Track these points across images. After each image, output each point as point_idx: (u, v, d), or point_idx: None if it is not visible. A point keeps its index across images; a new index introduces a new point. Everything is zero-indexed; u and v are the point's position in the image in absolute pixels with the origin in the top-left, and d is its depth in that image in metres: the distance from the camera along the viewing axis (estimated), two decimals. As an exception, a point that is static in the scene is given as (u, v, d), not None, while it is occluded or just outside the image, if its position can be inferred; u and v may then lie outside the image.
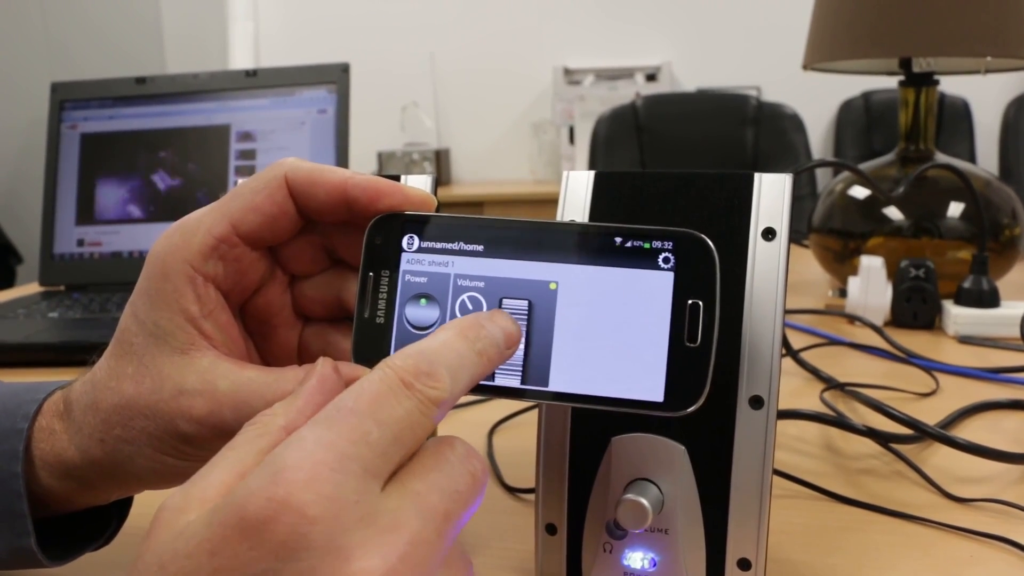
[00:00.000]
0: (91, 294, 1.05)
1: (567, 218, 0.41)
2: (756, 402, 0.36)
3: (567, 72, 3.06)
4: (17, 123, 3.06)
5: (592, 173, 0.41)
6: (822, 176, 3.09)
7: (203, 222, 0.37)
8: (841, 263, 1.01)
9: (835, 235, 1.01)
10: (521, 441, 0.59)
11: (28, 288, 1.25)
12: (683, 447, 0.37)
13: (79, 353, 0.82)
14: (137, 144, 1.12)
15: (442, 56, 3.23)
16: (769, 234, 0.37)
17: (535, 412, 0.64)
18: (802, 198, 1.83)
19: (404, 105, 3.20)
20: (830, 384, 0.67)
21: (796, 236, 1.30)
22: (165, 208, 1.10)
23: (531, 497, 0.50)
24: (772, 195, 0.37)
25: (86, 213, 1.12)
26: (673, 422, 0.37)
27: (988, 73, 1.03)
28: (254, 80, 1.12)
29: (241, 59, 3.27)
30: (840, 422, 0.54)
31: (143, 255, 1.10)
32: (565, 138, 2.98)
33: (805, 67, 1.04)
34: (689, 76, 3.15)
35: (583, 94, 2.92)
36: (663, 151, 1.87)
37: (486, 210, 2.84)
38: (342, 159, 1.08)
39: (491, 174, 3.30)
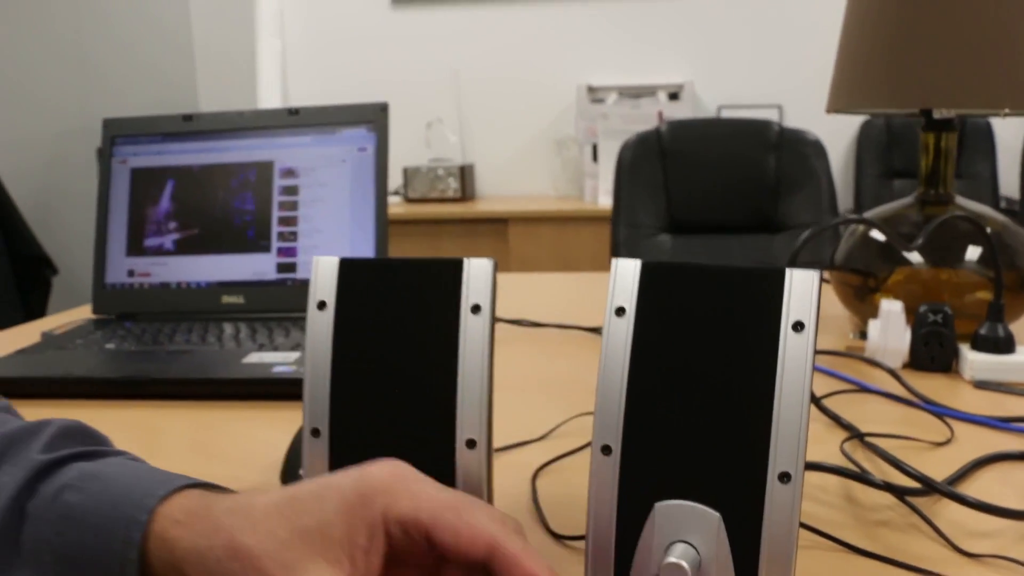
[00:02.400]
0: (142, 324, 1.11)
1: (616, 303, 0.45)
2: (784, 477, 0.41)
3: (591, 90, 3.11)
4: (45, 136, 3.13)
5: (639, 263, 0.45)
6: (843, 194, 3.13)
7: (422, 496, 0.41)
8: (861, 300, 1.05)
9: (856, 274, 1.06)
10: (565, 486, 0.64)
11: (78, 312, 1.30)
12: (718, 515, 0.42)
13: (139, 387, 0.88)
14: (184, 178, 1.18)
15: (467, 73, 3.28)
16: (798, 326, 0.42)
17: (576, 456, 0.69)
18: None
19: (429, 121, 3.26)
20: (851, 433, 0.71)
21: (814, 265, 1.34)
22: (210, 241, 1.16)
23: (576, 544, 0.55)
24: (802, 290, 0.42)
25: (136, 244, 1.18)
26: (710, 492, 0.42)
27: (1007, 116, 1.08)
28: (296, 118, 1.17)
29: (268, 75, 3.33)
30: (859, 476, 0.58)
31: (189, 286, 1.15)
32: (588, 156, 3.03)
33: (828, 111, 1.09)
34: (711, 94, 3.20)
35: (606, 112, 2.97)
36: (687, 176, 1.91)
37: (510, 228, 2.89)
38: (380, 196, 1.13)
39: (514, 189, 3.35)
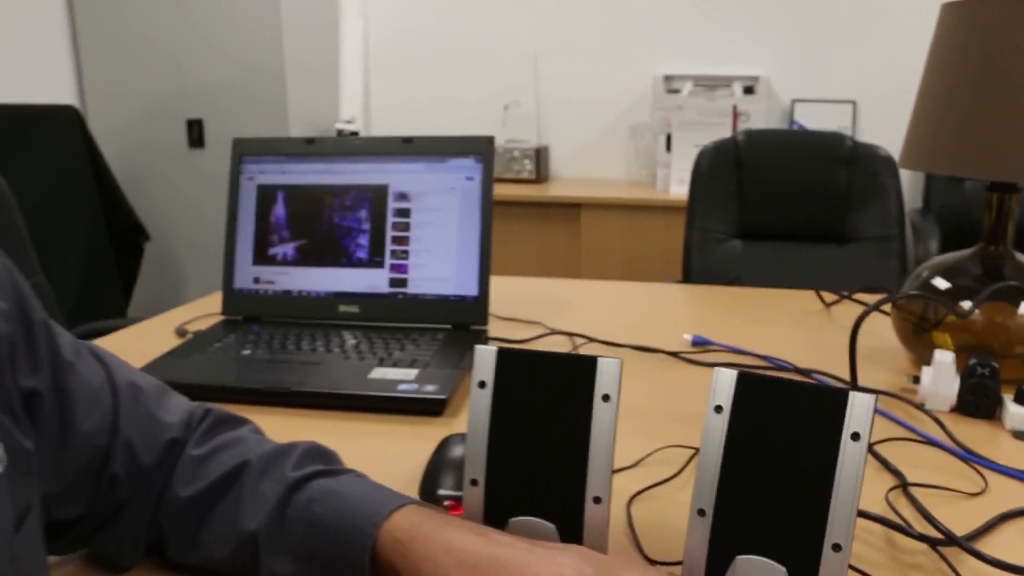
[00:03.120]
0: (268, 328, 1.28)
1: (715, 401, 0.60)
2: (836, 547, 0.55)
3: (666, 79, 3.21)
4: (134, 115, 3.34)
5: (735, 374, 0.60)
6: (913, 194, 3.21)
7: None
8: (917, 338, 1.18)
9: (915, 316, 1.18)
10: (657, 513, 0.79)
11: (202, 305, 1.48)
12: (784, 569, 0.57)
13: (280, 397, 1.04)
14: (305, 196, 1.34)
15: (544, 57, 3.40)
16: (855, 436, 0.56)
17: (667, 486, 0.84)
18: (890, 238, 1.98)
19: (507, 103, 3.39)
20: (897, 481, 0.85)
21: (878, 289, 1.46)
22: (328, 255, 1.32)
23: (669, 569, 0.70)
24: (861, 409, 0.56)
25: (261, 254, 1.34)
26: (779, 551, 0.57)
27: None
28: (410, 147, 1.32)
29: (351, 52, 3.49)
30: (899, 527, 0.72)
31: (309, 295, 1.32)
32: (662, 145, 3.14)
33: (901, 166, 1.21)
34: (786, 87, 3.28)
35: (681, 104, 3.07)
36: (760, 184, 2.03)
37: (582, 213, 3.02)
38: (485, 222, 1.28)
39: (587, 172, 3.48)
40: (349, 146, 1.36)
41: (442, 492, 0.80)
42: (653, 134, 3.21)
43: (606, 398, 0.62)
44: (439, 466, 0.83)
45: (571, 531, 0.62)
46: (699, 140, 3.01)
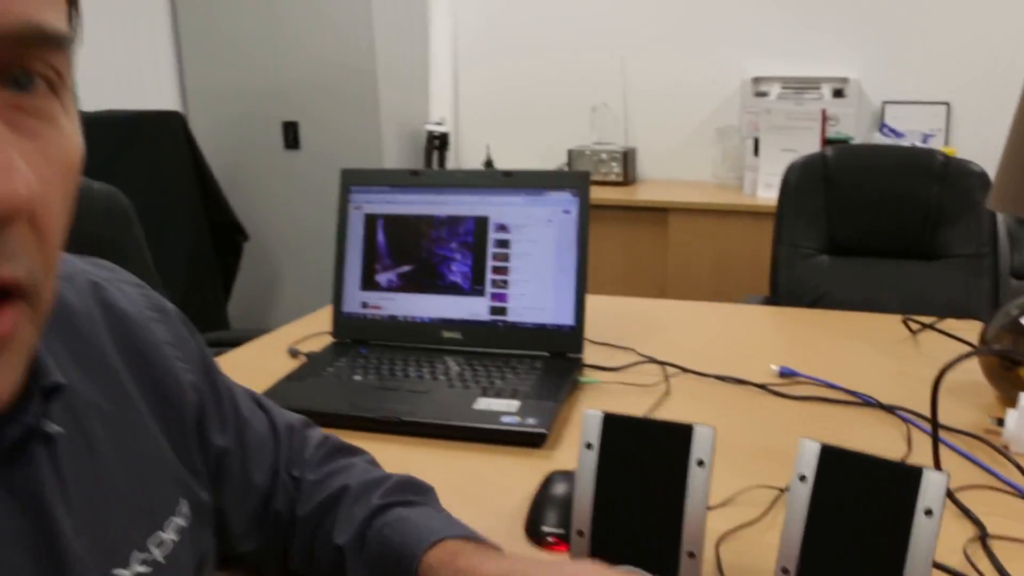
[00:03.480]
0: (377, 352, 1.38)
1: (799, 470, 0.67)
2: (911, 611, 0.62)
3: (755, 81, 3.24)
4: (232, 118, 3.50)
5: (819, 447, 0.67)
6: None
7: None
8: (1004, 375, 1.22)
9: (1001, 354, 1.22)
10: (745, 555, 0.86)
11: (311, 323, 1.58)
12: (864, 627, 0.64)
13: (392, 426, 1.14)
14: (410, 225, 1.43)
15: (632, 59, 3.45)
16: (928, 512, 0.62)
17: (755, 527, 0.91)
18: (982, 256, 2.00)
19: (594, 105, 3.45)
20: (978, 531, 0.90)
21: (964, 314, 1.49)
22: (431, 283, 1.41)
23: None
24: (933, 487, 0.63)
25: (368, 280, 1.44)
26: (859, 612, 0.64)
27: None
28: (510, 180, 1.40)
29: (440, 51, 3.59)
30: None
31: (414, 320, 1.41)
32: (750, 148, 3.17)
33: (989, 207, 1.25)
34: (877, 89, 3.27)
35: (769, 108, 3.10)
36: (848, 200, 2.06)
37: (670, 217, 3.07)
38: (581, 254, 1.35)
39: (675, 174, 3.52)
40: (451, 178, 1.45)
41: (546, 529, 0.88)
42: (740, 137, 3.23)
43: (700, 463, 0.69)
44: (543, 504, 0.91)
45: (668, 583, 0.70)
46: (787, 144, 3.03)
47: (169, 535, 0.59)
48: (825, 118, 3.04)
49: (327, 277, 3.26)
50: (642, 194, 3.26)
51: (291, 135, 3.50)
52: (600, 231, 3.17)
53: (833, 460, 0.66)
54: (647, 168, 3.55)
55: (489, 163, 3.58)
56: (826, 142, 3.01)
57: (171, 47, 3.57)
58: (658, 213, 3.11)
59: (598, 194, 3.22)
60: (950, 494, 0.96)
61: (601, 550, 0.72)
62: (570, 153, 3.41)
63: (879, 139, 3.17)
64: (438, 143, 3.55)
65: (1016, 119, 1.21)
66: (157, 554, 0.57)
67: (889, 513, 0.63)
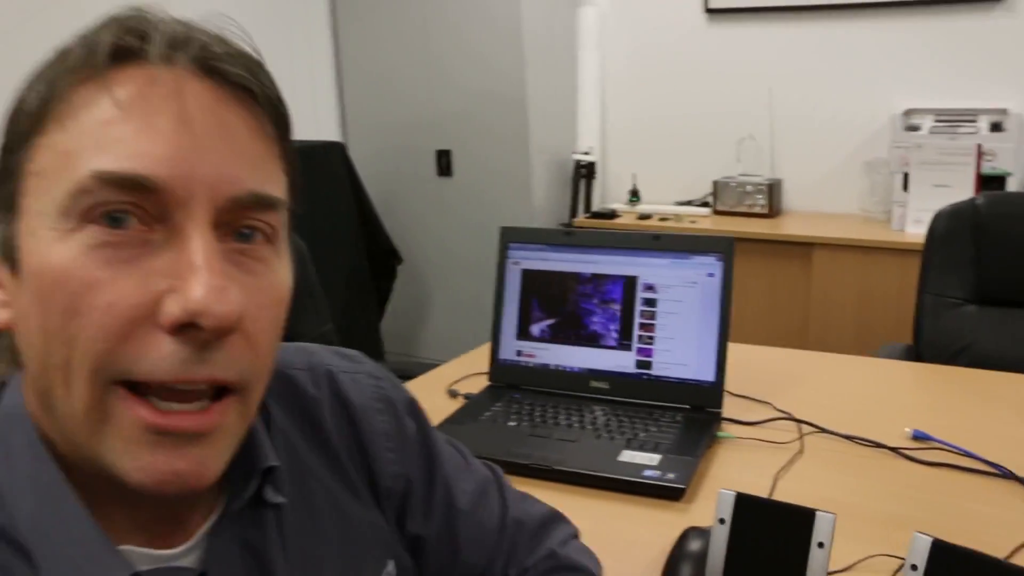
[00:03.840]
0: (530, 397, 1.51)
1: (911, 561, 0.76)
2: None
3: (905, 114, 3.23)
4: (388, 147, 3.73)
5: (931, 542, 0.76)
6: None
7: None
8: None
9: None
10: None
11: (467, 362, 1.73)
12: None
13: (541, 472, 1.26)
14: (563, 281, 1.56)
15: (780, 91, 3.49)
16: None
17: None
18: None
19: (740, 137, 3.51)
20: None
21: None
22: (581, 336, 1.53)
23: None
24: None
25: (523, 330, 1.58)
26: None
27: None
28: (658, 243, 1.51)
29: (588, 85, 3.72)
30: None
31: (564, 369, 1.54)
32: (899, 183, 3.16)
33: None
34: (1039, 123, 3.21)
35: (920, 142, 3.09)
36: (1000, 250, 2.07)
37: (814, 253, 3.11)
38: (724, 315, 1.45)
39: (820, 206, 3.54)
40: (603, 239, 1.57)
41: (683, 584, 0.99)
42: (889, 171, 3.23)
43: (820, 545, 0.79)
44: (679, 559, 1.02)
45: (791, 648, 0.80)
46: (939, 180, 3.02)
47: None
48: (980, 153, 3.01)
49: (474, 298, 3.48)
50: (787, 227, 3.30)
51: (444, 163, 3.69)
52: (744, 264, 3.23)
53: (942, 554, 0.75)
54: (793, 200, 3.58)
55: (635, 192, 3.68)
56: (980, 178, 2.98)
57: (333, 82, 3.83)
58: (802, 247, 3.15)
59: (742, 226, 3.29)
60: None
61: (731, 615, 0.83)
62: (715, 184, 3.48)
63: (1039, 176, 3.12)
64: (585, 172, 3.68)
65: None
66: None
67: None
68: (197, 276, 0.50)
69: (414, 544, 0.80)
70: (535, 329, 1.57)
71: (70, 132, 0.52)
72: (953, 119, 3.20)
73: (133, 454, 0.52)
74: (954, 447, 1.35)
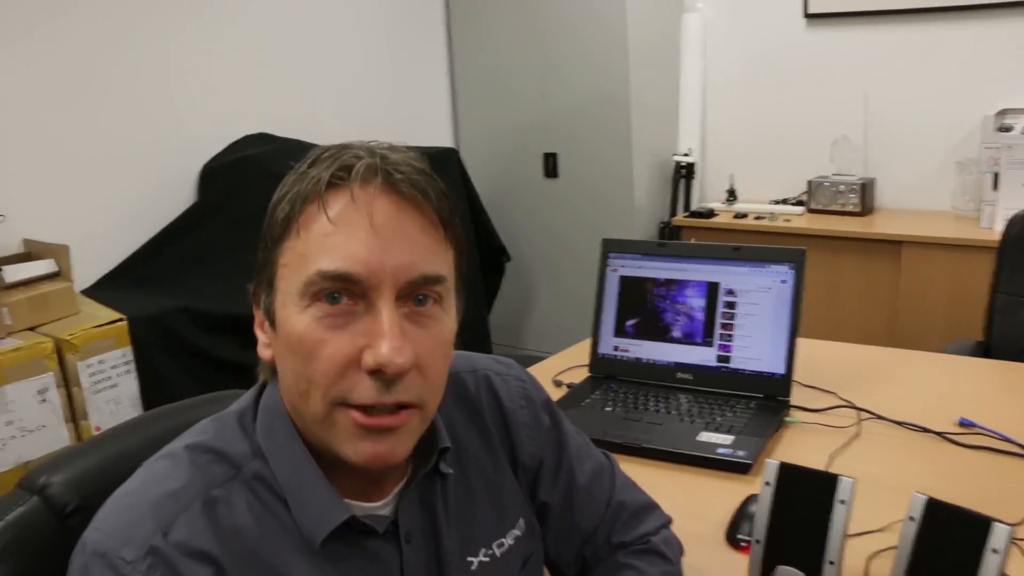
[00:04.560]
0: (624, 387, 1.78)
1: None
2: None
3: (998, 115, 3.36)
4: (498, 150, 4.02)
5: (926, 500, 0.99)
6: None
7: None
8: None
9: None
10: (888, 569, 1.18)
11: (569, 356, 2.00)
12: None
13: (633, 451, 1.53)
14: (655, 286, 1.81)
15: (875, 93, 3.65)
16: (995, 551, 0.94)
17: (898, 551, 1.22)
18: None
19: (835, 139, 3.68)
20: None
21: None
22: (669, 333, 1.78)
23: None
24: (999, 535, 0.94)
25: (620, 328, 1.84)
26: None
27: None
28: (738, 253, 1.75)
29: (690, 90, 3.94)
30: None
31: (654, 362, 1.80)
32: (989, 183, 3.30)
33: None
34: None
35: (1011, 143, 3.22)
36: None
37: (903, 250, 3.27)
38: (794, 318, 1.69)
39: (912, 204, 3.69)
40: (691, 250, 1.82)
41: (740, 536, 1.25)
42: (980, 171, 3.37)
43: (842, 502, 1.04)
44: (740, 518, 1.28)
45: (815, 581, 1.05)
46: (1029, 180, 3.16)
47: (508, 540, 1.00)
48: (1070, 158, 3.13)
49: (577, 293, 3.76)
50: (879, 225, 3.47)
51: (551, 165, 3.96)
52: (836, 261, 3.42)
53: (935, 510, 0.98)
54: (885, 198, 3.73)
55: (732, 192, 3.89)
56: (1070, 179, 3.11)
57: (448, 90, 4.14)
58: (893, 244, 3.32)
59: (835, 224, 3.48)
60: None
61: (769, 555, 1.08)
62: (809, 184, 3.66)
63: None
64: (685, 172, 3.91)
65: None
66: (496, 552, 0.98)
67: (968, 545, 0.95)
68: (384, 338, 0.77)
69: (541, 509, 1.07)
70: (630, 327, 1.83)
71: (303, 240, 0.80)
72: (1047, 119, 3.31)
73: (352, 443, 0.80)
74: (995, 433, 1.56)
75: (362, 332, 0.78)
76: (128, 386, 2.59)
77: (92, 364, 2.51)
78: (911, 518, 1.00)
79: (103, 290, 2.85)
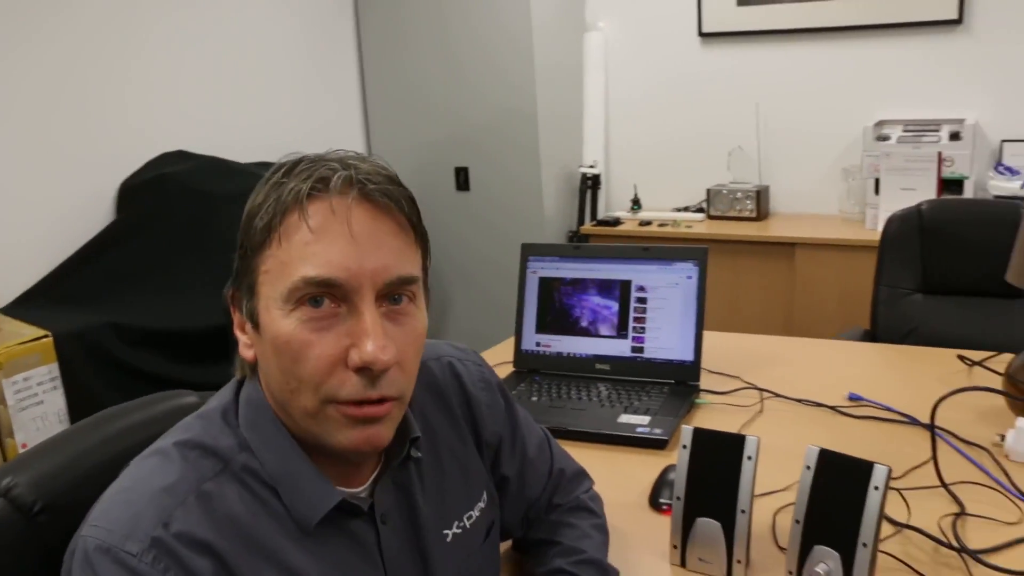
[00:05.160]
0: (547, 379, 1.92)
1: (806, 462, 1.16)
2: (864, 545, 1.10)
3: (877, 126, 3.63)
4: (411, 163, 4.12)
5: (819, 451, 1.15)
6: None
7: None
8: (1013, 401, 1.65)
9: (1017, 384, 1.65)
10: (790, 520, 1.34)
11: (497, 355, 2.13)
12: (838, 554, 1.12)
13: (561, 434, 1.66)
14: (572, 285, 1.96)
15: (766, 106, 3.89)
16: (876, 488, 1.10)
17: (798, 506, 1.38)
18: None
19: (731, 150, 3.92)
20: (959, 508, 1.36)
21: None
22: (587, 328, 1.93)
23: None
24: (880, 474, 1.10)
25: (541, 325, 1.98)
26: (838, 545, 1.12)
27: None
28: (647, 253, 1.92)
29: (593, 105, 4.13)
30: (940, 541, 1.25)
31: (574, 355, 1.94)
32: (871, 187, 3.56)
33: (1006, 279, 1.68)
34: (996, 128, 3.60)
35: (889, 151, 3.48)
36: (941, 248, 2.46)
37: (797, 251, 3.50)
38: (700, 310, 1.85)
39: (803, 209, 3.94)
40: (603, 251, 1.98)
41: (661, 501, 1.40)
42: (863, 177, 3.63)
43: (749, 458, 1.19)
44: (660, 485, 1.43)
45: (729, 528, 1.20)
46: (906, 184, 3.42)
47: (475, 512, 1.12)
48: (941, 160, 3.40)
49: (492, 299, 3.88)
50: (774, 229, 3.70)
51: (462, 178, 4.10)
52: (735, 262, 3.63)
53: (826, 458, 1.14)
54: (779, 204, 3.97)
55: (636, 201, 4.09)
56: (942, 182, 3.38)
57: (360, 108, 4.25)
58: (786, 247, 3.55)
59: (733, 229, 3.69)
60: (943, 482, 1.42)
61: (689, 509, 1.23)
62: (708, 192, 3.88)
63: (995, 178, 3.51)
64: (591, 183, 4.09)
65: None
66: (467, 523, 1.10)
67: (854, 486, 1.11)
68: (368, 338, 0.85)
69: (501, 482, 1.20)
70: (550, 324, 1.98)
71: (284, 249, 0.86)
72: (918, 129, 3.60)
73: (343, 432, 0.88)
74: (880, 404, 1.75)
75: (345, 333, 0.86)
76: (55, 403, 2.63)
77: (17, 381, 2.54)
78: (807, 467, 1.16)
79: (23, 308, 2.86)
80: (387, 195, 0.89)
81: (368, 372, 0.86)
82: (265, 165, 3.45)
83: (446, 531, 1.07)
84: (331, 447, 0.90)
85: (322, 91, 4.06)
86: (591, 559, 1.19)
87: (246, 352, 0.94)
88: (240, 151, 3.53)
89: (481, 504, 1.13)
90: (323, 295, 0.86)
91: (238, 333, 0.95)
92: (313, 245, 0.86)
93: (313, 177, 0.88)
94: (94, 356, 2.65)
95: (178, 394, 1.21)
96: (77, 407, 2.62)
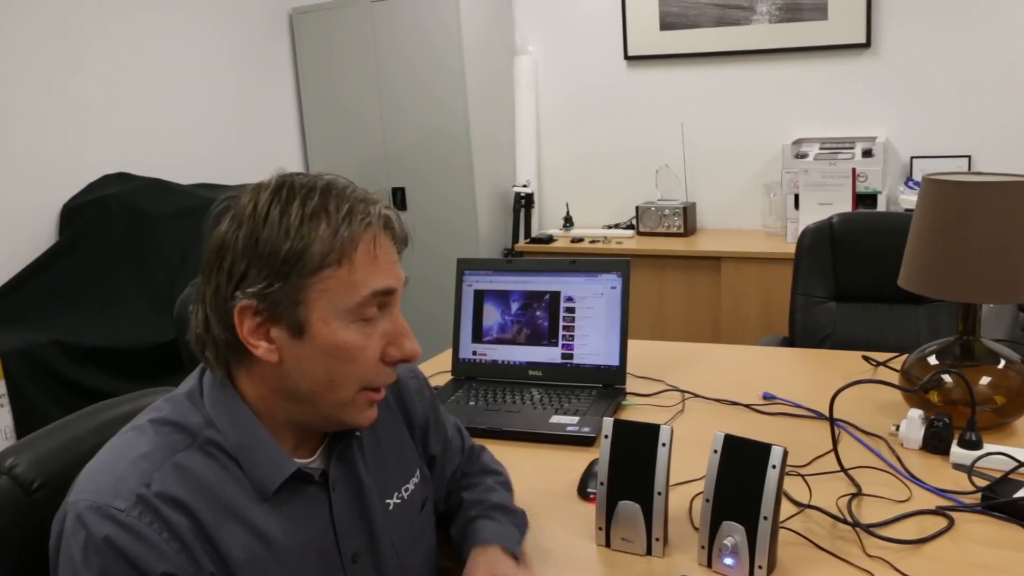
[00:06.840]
0: (484, 385, 2.04)
1: (714, 447, 1.29)
2: (765, 519, 1.24)
3: (795, 144, 3.83)
4: (355, 183, 4.22)
5: (724, 436, 1.29)
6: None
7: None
8: (907, 394, 1.81)
9: (910, 379, 1.82)
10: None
11: (436, 364, 2.25)
12: (743, 527, 1.26)
13: (495, 434, 1.79)
14: (505, 297, 2.09)
15: (691, 125, 4.08)
16: (774, 467, 1.24)
17: (713, 492, 1.52)
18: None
19: (658, 168, 4.09)
20: (855, 489, 1.51)
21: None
22: (520, 337, 2.06)
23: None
24: (777, 454, 1.24)
25: (477, 335, 2.11)
26: (743, 519, 1.26)
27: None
28: (574, 266, 2.05)
29: (525, 126, 4.27)
30: (838, 518, 1.40)
31: (509, 363, 2.07)
32: (791, 203, 3.75)
33: (899, 284, 1.84)
34: (906, 145, 3.83)
35: (807, 168, 3.68)
36: (851, 257, 2.64)
37: (722, 265, 3.68)
38: (624, 317, 1.99)
39: (729, 224, 4.13)
40: (534, 264, 2.11)
41: (589, 490, 1.53)
42: (783, 192, 3.82)
43: (664, 444, 1.32)
44: (587, 477, 1.56)
45: (648, 510, 1.33)
46: (823, 199, 3.62)
47: (410, 486, 1.26)
48: (855, 175, 3.61)
49: (429, 315, 4.00)
50: (700, 244, 3.88)
51: (399, 198, 4.21)
52: (664, 276, 3.80)
53: (731, 442, 1.28)
54: (706, 219, 4.16)
55: (568, 219, 4.24)
56: (857, 196, 3.58)
57: (297, 131, 4.34)
58: (713, 261, 3.73)
59: (662, 244, 3.86)
60: (842, 467, 1.57)
61: (612, 493, 1.36)
62: (637, 209, 4.04)
63: (905, 192, 3.73)
64: (524, 202, 4.23)
65: (913, 224, 1.81)
66: (404, 495, 1.24)
67: (755, 466, 1.25)
68: (407, 336, 1.10)
69: (430, 461, 1.35)
70: (485, 334, 2.10)
71: (348, 270, 1.03)
72: (834, 147, 3.81)
73: (364, 412, 1.11)
74: (790, 402, 1.91)
75: (381, 333, 1.08)
76: (2, 420, 2.68)
77: (-37, 401, 2.60)
78: (715, 451, 1.29)
79: (-35, 328, 2.92)
80: (399, 224, 1.13)
81: (397, 364, 1.11)
82: (207, 186, 3.55)
83: (388, 500, 1.22)
84: (351, 424, 1.12)
85: (261, 113, 4.16)
86: (497, 504, 1.37)
87: (271, 356, 1.05)
88: (181, 172, 3.61)
89: (415, 480, 1.28)
90: (381, 304, 1.07)
91: (250, 339, 1.05)
92: (371, 266, 1.05)
93: (366, 215, 1.06)
94: (39, 373, 2.72)
95: (164, 390, 1.34)
96: (24, 423, 2.68)
